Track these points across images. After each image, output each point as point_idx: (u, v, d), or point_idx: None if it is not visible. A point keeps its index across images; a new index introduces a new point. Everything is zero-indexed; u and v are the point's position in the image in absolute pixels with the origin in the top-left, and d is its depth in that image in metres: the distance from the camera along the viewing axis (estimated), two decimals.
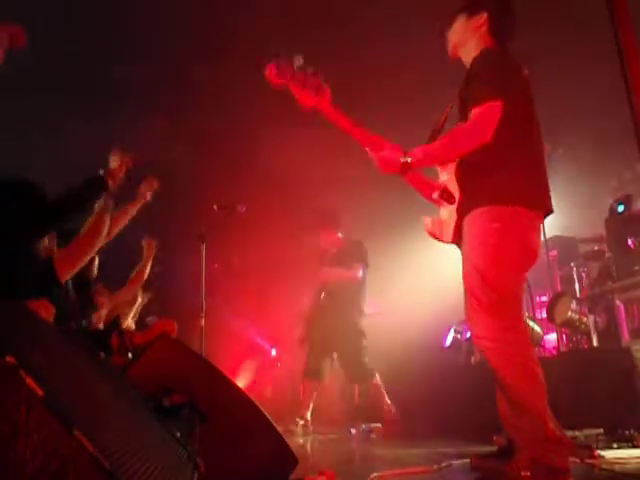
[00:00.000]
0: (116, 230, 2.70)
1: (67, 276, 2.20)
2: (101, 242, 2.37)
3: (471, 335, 2.11)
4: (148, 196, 2.89)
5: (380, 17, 4.68)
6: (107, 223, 2.37)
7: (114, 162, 2.33)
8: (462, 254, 2.13)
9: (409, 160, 1.97)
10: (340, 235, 4.81)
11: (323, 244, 4.85)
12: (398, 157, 1.97)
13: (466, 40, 2.17)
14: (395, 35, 4.68)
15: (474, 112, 1.95)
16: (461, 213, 2.10)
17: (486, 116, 1.92)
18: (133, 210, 2.82)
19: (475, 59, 2.09)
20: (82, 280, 2.72)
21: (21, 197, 1.98)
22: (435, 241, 2.26)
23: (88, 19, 4.79)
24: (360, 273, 4.55)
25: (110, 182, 2.24)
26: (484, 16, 2.13)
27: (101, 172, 2.26)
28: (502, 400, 2.02)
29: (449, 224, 2.15)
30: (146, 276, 3.71)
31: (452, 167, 2.14)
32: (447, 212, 2.18)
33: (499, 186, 2.01)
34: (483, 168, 2.00)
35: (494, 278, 1.95)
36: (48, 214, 2.03)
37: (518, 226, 1.98)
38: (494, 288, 1.95)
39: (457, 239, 2.14)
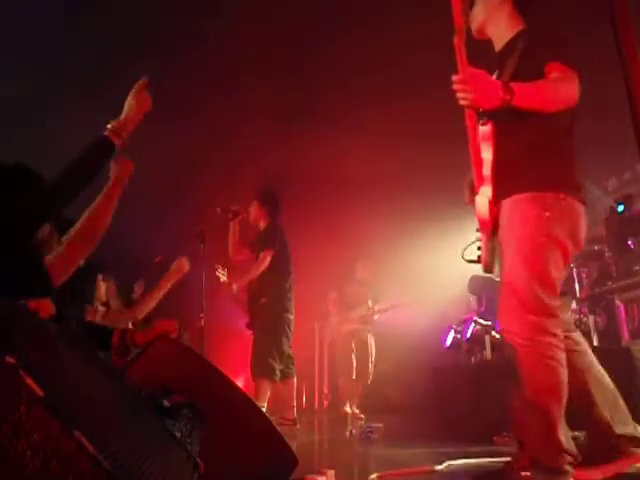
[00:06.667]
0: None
1: (62, 279, 1.95)
2: (103, 231, 2.01)
3: (501, 327, 1.94)
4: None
5: None
6: (113, 208, 2.00)
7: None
8: (501, 241, 1.95)
9: (511, 95, 1.74)
10: (266, 215, 4.67)
11: (252, 219, 4.75)
12: (499, 89, 1.74)
13: (492, 17, 2.06)
14: None
15: (565, 72, 1.80)
16: (500, 195, 1.92)
17: (576, 80, 1.80)
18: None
19: (525, 31, 1.99)
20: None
21: (13, 185, 1.75)
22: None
23: (85, 16, 4.80)
24: (267, 261, 4.43)
25: (117, 140, 1.81)
26: None
27: (107, 130, 1.80)
28: (519, 399, 1.91)
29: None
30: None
31: (489, 145, 1.94)
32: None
33: (551, 171, 1.88)
34: (535, 150, 1.87)
35: (542, 273, 1.81)
36: (47, 199, 1.72)
37: (569, 215, 1.85)
38: (540, 283, 1.80)
39: (491, 222, 1.95)
